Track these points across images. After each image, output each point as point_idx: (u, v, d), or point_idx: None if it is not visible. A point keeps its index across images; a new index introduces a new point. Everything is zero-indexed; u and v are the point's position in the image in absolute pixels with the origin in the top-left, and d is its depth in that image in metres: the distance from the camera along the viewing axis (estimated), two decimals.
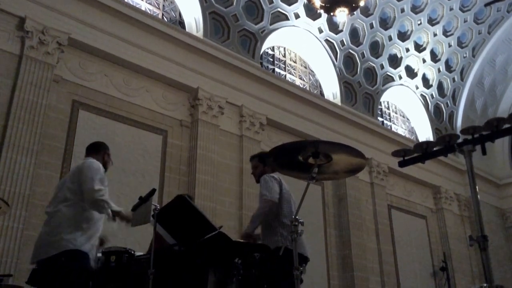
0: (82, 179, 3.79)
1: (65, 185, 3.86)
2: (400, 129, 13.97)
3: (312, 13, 11.24)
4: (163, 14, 9.49)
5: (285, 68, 11.55)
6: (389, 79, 13.21)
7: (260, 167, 4.53)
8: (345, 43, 12.12)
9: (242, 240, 4.17)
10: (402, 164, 2.73)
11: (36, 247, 3.74)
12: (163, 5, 9.58)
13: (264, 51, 11.00)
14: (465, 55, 14.62)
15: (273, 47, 11.41)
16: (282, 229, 4.14)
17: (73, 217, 3.70)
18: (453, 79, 14.75)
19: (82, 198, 3.77)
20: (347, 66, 12.17)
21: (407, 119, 14.47)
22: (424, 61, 13.88)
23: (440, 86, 14.54)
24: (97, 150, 4.15)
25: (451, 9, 13.48)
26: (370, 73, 12.76)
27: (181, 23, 9.69)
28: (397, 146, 11.46)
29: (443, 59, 14.24)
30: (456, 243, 13.17)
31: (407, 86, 13.78)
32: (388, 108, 14.01)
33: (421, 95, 14.13)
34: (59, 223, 3.68)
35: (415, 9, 13.01)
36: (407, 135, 13.89)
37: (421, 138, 14.09)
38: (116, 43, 7.92)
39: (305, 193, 2.78)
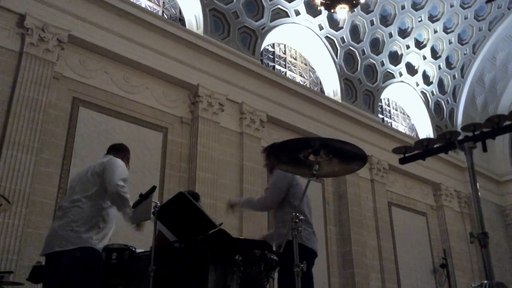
0: (106, 174, 3.71)
1: (85, 180, 3.77)
2: (400, 126, 13.97)
3: (312, 10, 11.22)
4: (163, 11, 9.48)
5: (285, 65, 11.54)
6: (389, 76, 13.21)
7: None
8: (346, 40, 12.10)
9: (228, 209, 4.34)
10: (402, 161, 2.73)
11: (48, 239, 3.64)
12: (163, 2, 9.56)
13: (265, 48, 10.99)
14: (465, 52, 14.60)
15: (273, 44, 11.40)
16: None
17: (90, 214, 3.62)
18: (454, 76, 14.74)
19: (102, 195, 3.70)
20: (347, 63, 12.16)
21: (408, 116, 14.46)
22: (424, 58, 13.87)
23: (440, 83, 14.53)
24: (118, 151, 4.09)
25: (451, 6, 13.46)
26: (371, 70, 12.74)
27: (181, 20, 9.68)
28: (397, 143, 11.39)
29: (444, 56, 14.23)
30: (456, 240, 13.18)
31: (408, 83, 13.77)
32: (388, 105, 14.00)
33: (422, 92, 14.13)
34: (76, 218, 3.59)
35: (416, 6, 12.99)
36: (408, 132, 13.89)
37: (421, 135, 14.09)
38: (117, 40, 7.92)
39: (306, 190, 2.78)
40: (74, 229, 3.54)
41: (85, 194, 3.69)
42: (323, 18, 11.53)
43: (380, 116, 13.18)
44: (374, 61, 12.78)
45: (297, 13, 11.11)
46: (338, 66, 11.92)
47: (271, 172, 4.40)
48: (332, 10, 9.58)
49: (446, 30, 13.82)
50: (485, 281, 2.18)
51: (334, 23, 11.81)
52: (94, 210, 3.65)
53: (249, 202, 4.74)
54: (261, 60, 10.58)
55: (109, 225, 3.74)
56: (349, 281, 10.11)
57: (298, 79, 11.59)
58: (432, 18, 13.43)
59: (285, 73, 11.36)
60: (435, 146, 2.62)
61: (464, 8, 13.69)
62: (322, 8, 9.95)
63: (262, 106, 9.74)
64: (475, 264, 13.34)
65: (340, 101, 11.62)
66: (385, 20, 12.71)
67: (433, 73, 14.25)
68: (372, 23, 12.43)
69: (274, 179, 4.25)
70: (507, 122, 2.41)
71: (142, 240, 6.43)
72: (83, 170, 4.01)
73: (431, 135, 13.71)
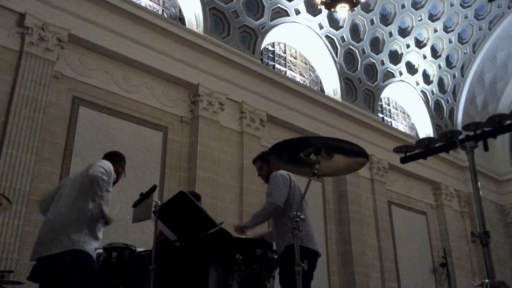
0: (92, 166, 3.70)
1: (72, 183, 3.76)
2: (400, 125, 13.96)
3: (312, 9, 11.21)
4: (163, 10, 9.47)
5: (285, 64, 11.53)
6: (389, 75, 13.20)
7: (265, 168, 4.40)
8: (346, 39, 12.10)
9: (240, 235, 4.17)
10: (404, 160, 2.73)
11: (37, 243, 3.63)
12: (163, 1, 9.55)
13: (265, 47, 10.98)
14: (465, 51, 14.60)
15: (273, 43, 11.39)
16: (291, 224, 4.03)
17: (77, 216, 3.60)
18: (454, 75, 14.73)
19: (87, 196, 3.67)
20: (347, 62, 12.16)
21: (408, 115, 14.46)
22: (424, 57, 13.86)
23: (440, 82, 14.53)
24: (113, 160, 3.99)
25: (451, 5, 13.45)
26: (371, 69, 12.74)
27: (181, 19, 9.67)
28: (397, 143, 11.43)
29: (444, 55, 14.22)
30: (456, 239, 13.19)
31: (408, 82, 13.77)
32: (388, 105, 14.00)
33: (422, 91, 14.12)
34: (63, 221, 3.58)
35: (416, 5, 12.99)
36: (408, 132, 13.89)
37: (422, 135, 14.09)
38: (116, 39, 7.91)
39: (307, 189, 2.78)
40: (61, 232, 3.53)
41: (71, 197, 3.69)
42: (323, 17, 11.52)
43: (380, 115, 13.18)
44: (374, 60, 12.77)
45: (297, 12, 11.10)
46: (338, 65, 11.91)
47: (268, 180, 4.28)
48: (332, 9, 9.57)
49: (446, 29, 13.82)
50: (487, 280, 2.17)
51: (334, 22, 11.80)
52: (80, 212, 3.62)
53: (257, 216, 4.27)
54: (261, 59, 10.58)
55: (97, 225, 3.70)
56: (349, 280, 10.11)
57: (298, 78, 11.58)
58: (432, 17, 13.42)
59: (285, 72, 11.35)
60: (436, 145, 2.61)
61: (464, 7, 13.68)
62: (323, 7, 9.94)
63: (262, 105, 9.73)
64: (475, 263, 13.35)
65: (340, 100, 11.62)
66: (385, 19, 12.71)
67: (433, 72, 14.24)
68: (372, 22, 12.42)
69: (274, 182, 4.17)
70: (509, 121, 2.40)
71: (142, 239, 6.44)
72: (72, 175, 4.07)
73: (431, 134, 13.71)
